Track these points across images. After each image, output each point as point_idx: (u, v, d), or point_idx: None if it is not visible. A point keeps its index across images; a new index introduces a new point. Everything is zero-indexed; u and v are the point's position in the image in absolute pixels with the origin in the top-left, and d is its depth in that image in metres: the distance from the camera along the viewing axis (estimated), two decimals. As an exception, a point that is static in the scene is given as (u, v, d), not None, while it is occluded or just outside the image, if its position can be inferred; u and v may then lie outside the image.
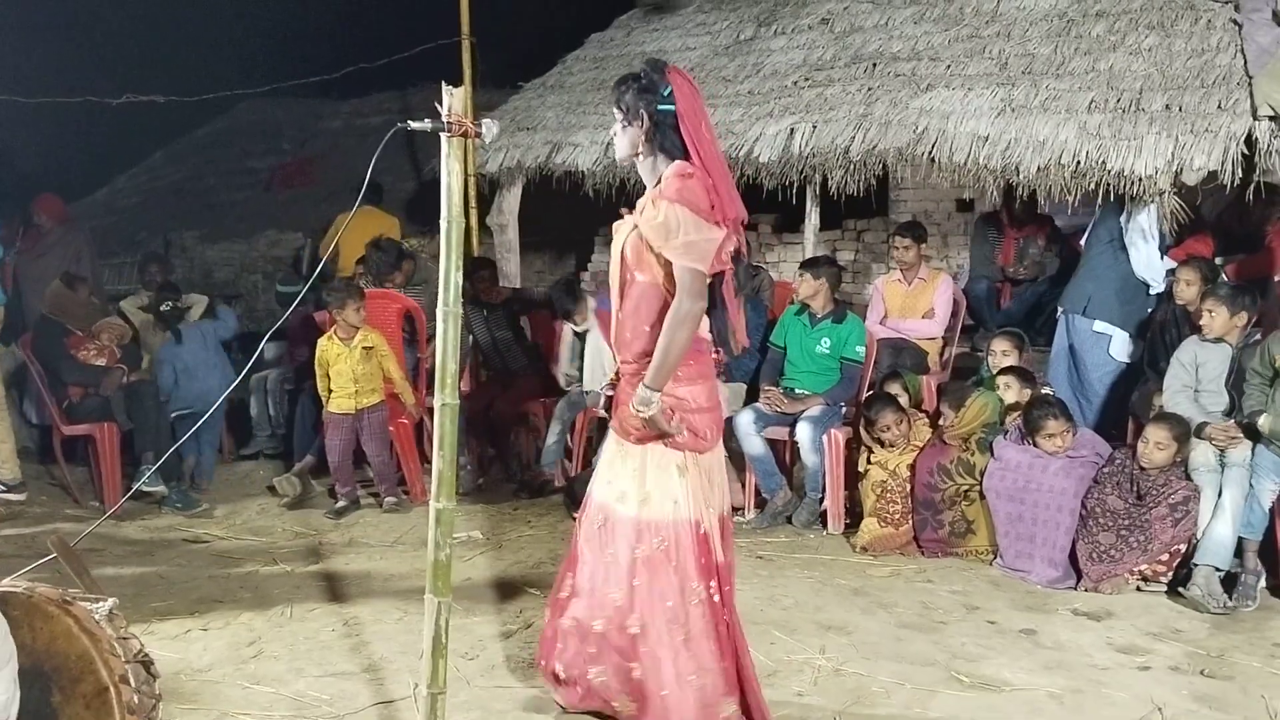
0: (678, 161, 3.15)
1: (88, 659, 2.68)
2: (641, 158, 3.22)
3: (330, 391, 6.51)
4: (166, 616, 4.54)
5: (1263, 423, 4.92)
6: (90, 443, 6.69)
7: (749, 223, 9.40)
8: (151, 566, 5.37)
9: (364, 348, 6.49)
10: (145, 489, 6.31)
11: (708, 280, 3.13)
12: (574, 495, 6.15)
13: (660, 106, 3.14)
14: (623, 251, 3.25)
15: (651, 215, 3.11)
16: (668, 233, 3.06)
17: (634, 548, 3.24)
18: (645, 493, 3.24)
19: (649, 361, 3.16)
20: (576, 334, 6.81)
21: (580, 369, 6.81)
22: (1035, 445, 5.22)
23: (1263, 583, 4.82)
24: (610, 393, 3.47)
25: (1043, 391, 5.67)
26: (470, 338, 7.30)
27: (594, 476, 3.45)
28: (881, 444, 5.65)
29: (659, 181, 3.19)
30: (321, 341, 6.58)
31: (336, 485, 6.54)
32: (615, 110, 3.24)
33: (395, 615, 4.53)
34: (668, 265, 3.13)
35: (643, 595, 3.23)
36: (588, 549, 3.37)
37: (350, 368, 6.47)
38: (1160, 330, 5.85)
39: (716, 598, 3.26)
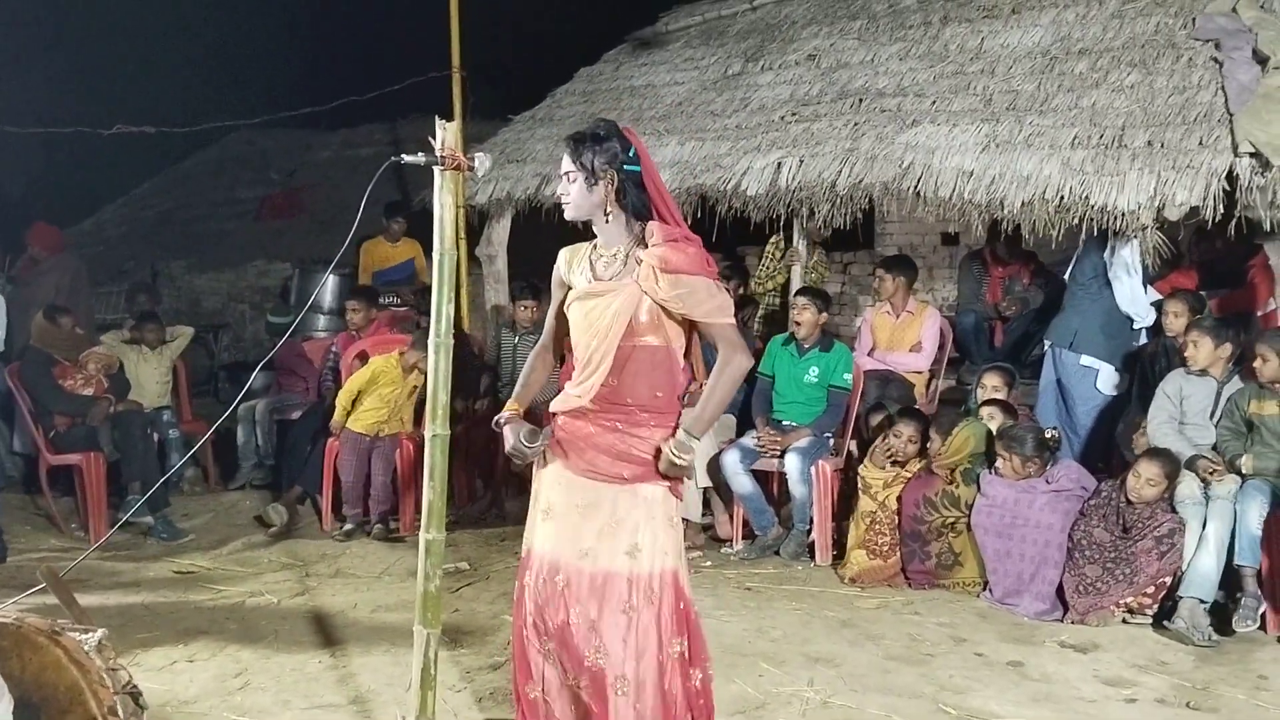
0: (655, 224, 3.16)
1: (77, 690, 2.68)
2: (610, 217, 3.18)
3: (350, 411, 6.62)
4: (152, 647, 4.52)
5: (1245, 464, 5.02)
6: (76, 472, 6.66)
7: (738, 255, 9.44)
8: (137, 597, 5.34)
9: (414, 385, 6.64)
10: (131, 519, 6.29)
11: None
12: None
13: (627, 166, 3.14)
14: (632, 317, 3.13)
15: (670, 287, 3.08)
16: (700, 301, 3.11)
17: (625, 603, 3.09)
18: (634, 544, 3.12)
19: (635, 410, 3.15)
20: None
21: None
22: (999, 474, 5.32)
23: (1262, 607, 4.83)
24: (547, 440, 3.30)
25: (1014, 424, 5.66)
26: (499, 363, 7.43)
27: (545, 533, 3.23)
28: (890, 457, 5.68)
29: (638, 242, 3.16)
30: (379, 360, 6.71)
31: (346, 507, 6.58)
32: (574, 168, 3.16)
33: (383, 647, 4.52)
34: (682, 326, 3.18)
35: (632, 653, 3.08)
36: (555, 616, 3.15)
37: (394, 394, 6.65)
38: (1150, 362, 5.91)
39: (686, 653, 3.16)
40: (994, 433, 5.56)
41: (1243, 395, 5.16)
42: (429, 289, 3.32)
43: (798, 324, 6.31)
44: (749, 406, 6.44)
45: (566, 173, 3.18)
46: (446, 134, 3.07)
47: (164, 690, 4.02)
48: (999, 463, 5.33)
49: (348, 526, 6.51)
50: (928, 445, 5.65)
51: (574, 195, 3.18)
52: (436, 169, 3.08)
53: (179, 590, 5.49)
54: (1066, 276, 6.52)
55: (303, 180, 13.90)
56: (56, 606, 3.32)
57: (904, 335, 6.87)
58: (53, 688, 2.70)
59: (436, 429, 3.09)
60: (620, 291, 3.13)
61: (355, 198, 3.33)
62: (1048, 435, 5.46)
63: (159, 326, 7.77)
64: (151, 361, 7.57)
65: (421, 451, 3.16)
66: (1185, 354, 5.37)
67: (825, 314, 6.36)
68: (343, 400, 6.67)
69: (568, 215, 3.25)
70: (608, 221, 3.19)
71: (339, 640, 4.65)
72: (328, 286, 9.37)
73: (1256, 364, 5.05)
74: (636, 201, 3.17)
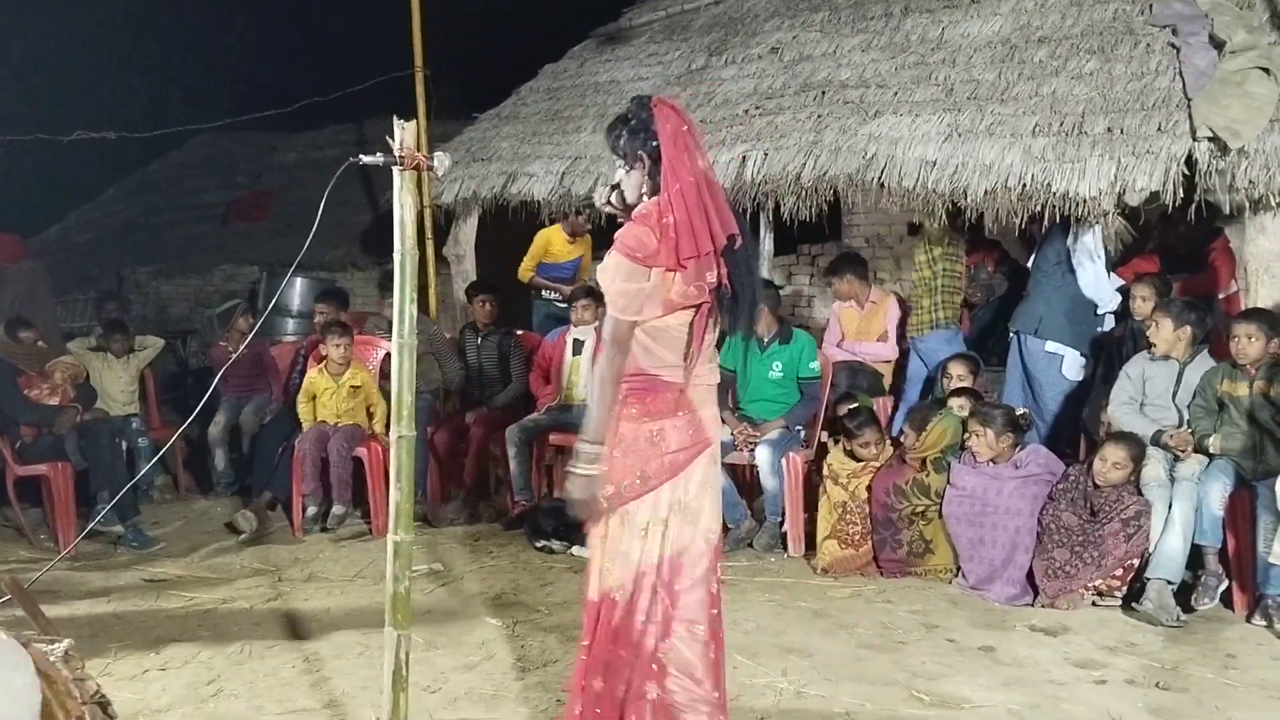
0: (646, 201, 3.09)
1: (43, 701, 2.65)
2: (646, 197, 3.11)
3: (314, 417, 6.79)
4: (124, 656, 4.48)
5: (1212, 443, 5.08)
6: (44, 482, 6.60)
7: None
8: (108, 606, 5.30)
9: (352, 385, 6.75)
10: (100, 528, 6.23)
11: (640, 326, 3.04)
12: (536, 525, 6.16)
13: (653, 144, 3.06)
14: None
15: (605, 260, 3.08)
16: (604, 279, 3.06)
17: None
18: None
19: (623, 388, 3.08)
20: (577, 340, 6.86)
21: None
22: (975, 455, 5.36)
23: (1223, 585, 4.91)
24: None
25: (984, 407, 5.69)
26: (462, 364, 7.41)
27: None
28: (853, 456, 5.71)
29: None
30: (311, 373, 6.84)
31: (304, 485, 6.60)
32: (614, 156, 3.15)
33: (356, 650, 4.51)
34: (664, 305, 3.05)
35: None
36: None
37: (336, 403, 6.74)
38: (1117, 347, 5.97)
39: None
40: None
41: (1215, 374, 5.20)
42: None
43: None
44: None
45: (615, 161, 3.16)
46: (405, 134, 3.06)
47: (136, 699, 4.00)
48: (971, 440, 5.36)
49: (310, 511, 6.60)
50: (900, 438, 5.68)
51: (625, 183, 3.15)
52: (396, 169, 3.07)
53: (150, 598, 5.45)
54: (1030, 264, 6.57)
55: (269, 183, 13.81)
56: (23, 618, 3.30)
57: (870, 325, 6.91)
58: (19, 700, 2.67)
59: (402, 430, 3.09)
60: None
61: (320, 201, 3.31)
62: (1019, 413, 5.51)
63: (126, 335, 7.71)
64: (117, 369, 7.52)
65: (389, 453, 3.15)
66: (1148, 334, 5.42)
67: (764, 305, 6.16)
68: (304, 412, 6.84)
69: (628, 200, 3.16)
70: (645, 201, 3.11)
71: (312, 644, 4.62)
72: (295, 289, 9.32)
73: (1236, 344, 5.08)
74: (660, 179, 3.05)
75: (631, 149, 3.09)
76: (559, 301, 8.15)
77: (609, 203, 3.21)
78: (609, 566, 3.12)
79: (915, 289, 6.88)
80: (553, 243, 8.28)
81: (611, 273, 3.02)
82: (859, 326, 6.97)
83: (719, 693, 3.13)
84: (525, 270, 8.31)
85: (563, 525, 5.84)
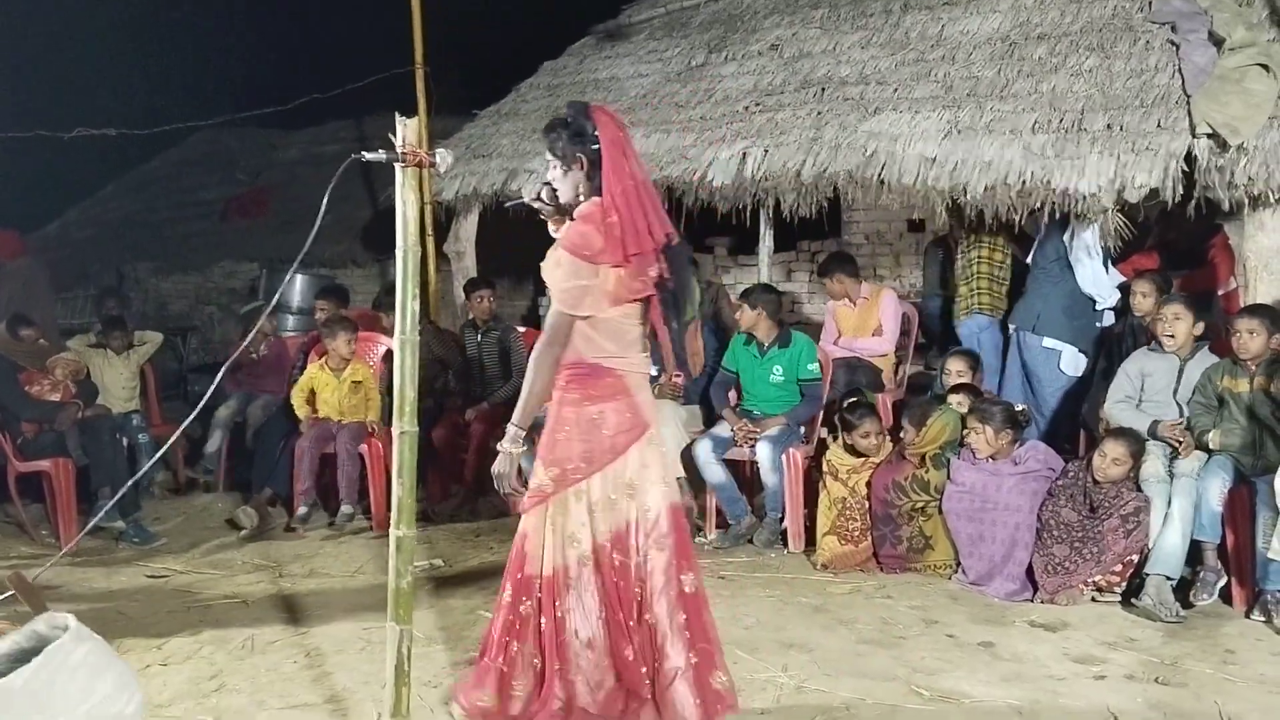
0: (589, 201, 3.32)
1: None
2: (584, 198, 3.35)
3: (312, 410, 6.81)
4: (125, 652, 4.48)
5: (1212, 438, 5.09)
6: (45, 479, 6.61)
7: (706, 246, 9.44)
8: (110, 602, 5.31)
9: (353, 381, 6.76)
10: (102, 525, 6.24)
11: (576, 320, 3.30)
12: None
13: (593, 147, 3.30)
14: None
15: (549, 257, 3.32)
16: (549, 275, 3.28)
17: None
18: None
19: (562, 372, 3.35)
20: None
21: None
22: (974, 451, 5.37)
23: (1221, 581, 4.93)
24: None
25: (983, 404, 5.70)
26: (462, 359, 7.43)
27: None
28: (853, 450, 5.71)
29: None
30: (311, 368, 6.84)
31: (297, 484, 6.62)
32: (551, 157, 3.38)
33: (358, 645, 4.52)
34: (607, 298, 3.32)
35: None
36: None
37: (337, 399, 6.75)
38: (1117, 343, 5.97)
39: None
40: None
41: (1216, 370, 5.21)
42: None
43: (752, 330, 6.31)
44: (711, 400, 6.47)
45: (549, 162, 3.37)
46: (407, 130, 3.07)
47: (138, 695, 4.00)
48: (970, 436, 5.37)
49: (301, 510, 6.60)
50: (900, 435, 5.68)
51: (558, 182, 3.39)
52: (398, 166, 3.08)
53: (152, 594, 5.46)
54: (1029, 260, 6.58)
55: (269, 180, 13.81)
56: (26, 613, 3.31)
57: (866, 320, 6.92)
58: (23, 694, 2.69)
59: (404, 425, 3.10)
60: None
61: (322, 196, 3.32)
62: (1018, 410, 5.52)
63: (124, 331, 7.72)
64: (117, 366, 7.53)
65: (390, 448, 3.18)
66: (1161, 329, 5.38)
67: (764, 310, 6.24)
68: (299, 405, 6.85)
69: (561, 200, 3.41)
70: (581, 201, 3.35)
71: (314, 639, 4.63)
72: (295, 285, 9.33)
73: (1238, 340, 5.08)
74: (599, 181, 3.31)
75: (571, 151, 3.34)
76: None
77: (539, 198, 3.43)
78: (559, 544, 3.38)
79: (956, 276, 7.00)
80: None
81: (560, 271, 3.26)
82: (854, 323, 6.98)
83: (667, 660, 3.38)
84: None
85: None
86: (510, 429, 3.31)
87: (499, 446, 3.34)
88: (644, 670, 3.42)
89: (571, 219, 3.36)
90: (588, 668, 3.41)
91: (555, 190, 3.41)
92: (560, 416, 3.37)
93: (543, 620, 3.41)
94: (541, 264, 3.41)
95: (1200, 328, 5.34)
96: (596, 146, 3.30)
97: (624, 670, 3.43)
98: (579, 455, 3.36)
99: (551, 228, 3.25)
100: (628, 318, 3.37)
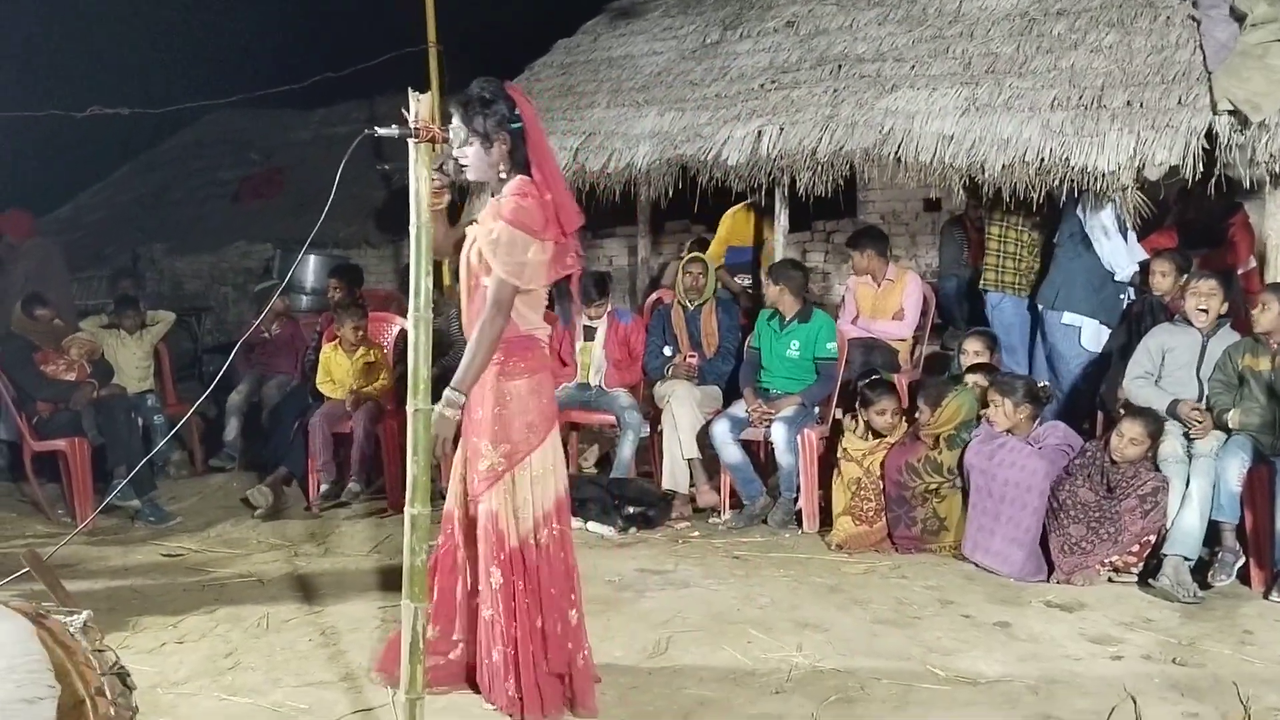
0: (517, 178, 3.38)
1: (63, 671, 2.66)
2: (505, 175, 3.41)
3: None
4: (142, 630, 4.51)
5: (1231, 417, 5.05)
6: (61, 458, 6.63)
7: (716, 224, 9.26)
8: (125, 580, 5.33)
9: (366, 362, 6.83)
10: (118, 503, 6.28)
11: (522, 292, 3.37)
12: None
13: (513, 125, 3.36)
14: (468, 257, 3.48)
15: (487, 231, 3.35)
16: (496, 248, 3.31)
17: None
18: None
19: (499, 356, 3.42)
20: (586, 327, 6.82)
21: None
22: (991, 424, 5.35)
23: (1240, 562, 4.90)
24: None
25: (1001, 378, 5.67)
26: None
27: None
28: (870, 428, 5.68)
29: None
30: (326, 348, 6.91)
31: (317, 469, 6.65)
32: (467, 133, 3.37)
33: (373, 624, 4.52)
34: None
35: None
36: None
37: (351, 379, 6.81)
38: (1137, 322, 5.91)
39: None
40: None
41: (1238, 349, 5.16)
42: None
43: (775, 305, 6.30)
44: (736, 378, 6.46)
45: (465, 138, 3.38)
46: (420, 106, 3.05)
47: (154, 672, 4.01)
48: (990, 409, 5.34)
49: (324, 488, 6.67)
50: (916, 415, 5.65)
51: (472, 159, 3.40)
52: (411, 141, 3.06)
53: (167, 573, 5.49)
54: (1054, 241, 6.52)
55: (282, 160, 13.80)
56: (42, 591, 3.32)
57: (886, 302, 6.86)
58: (39, 670, 2.69)
59: (419, 403, 3.08)
60: (473, 232, 3.44)
61: (335, 176, 3.31)
62: (1040, 385, 5.48)
63: (137, 311, 7.74)
64: (131, 346, 7.54)
65: (404, 427, 3.17)
66: (1193, 305, 5.24)
67: (786, 287, 6.22)
68: (324, 388, 6.90)
69: (469, 177, 3.46)
70: (503, 180, 3.42)
71: (329, 618, 4.64)
72: (309, 266, 9.33)
73: (1256, 311, 5.04)
74: (520, 156, 3.40)
75: (491, 127, 3.37)
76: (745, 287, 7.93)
77: (440, 169, 3.39)
78: (522, 515, 3.48)
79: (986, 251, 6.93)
80: (738, 226, 8.05)
81: (508, 245, 3.32)
82: (874, 304, 6.91)
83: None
84: (714, 255, 7.90)
85: (577, 501, 5.84)
86: (449, 393, 3.30)
87: (437, 409, 3.28)
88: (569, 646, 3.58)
89: (494, 196, 3.44)
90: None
91: (463, 166, 3.41)
92: (501, 391, 3.44)
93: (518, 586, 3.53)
94: (472, 236, 3.47)
95: (1224, 306, 5.29)
96: (518, 125, 3.37)
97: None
98: (525, 426, 3.47)
99: (430, 200, 3.15)
100: (544, 290, 3.51)
